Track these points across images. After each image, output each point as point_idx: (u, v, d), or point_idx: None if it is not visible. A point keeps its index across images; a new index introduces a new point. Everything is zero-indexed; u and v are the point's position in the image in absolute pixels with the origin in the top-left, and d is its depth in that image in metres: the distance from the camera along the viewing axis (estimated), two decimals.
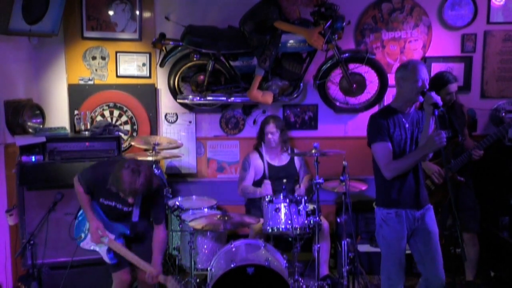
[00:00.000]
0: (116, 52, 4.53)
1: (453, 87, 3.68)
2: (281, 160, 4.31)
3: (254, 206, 4.12)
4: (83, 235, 3.22)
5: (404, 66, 2.87)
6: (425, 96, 2.74)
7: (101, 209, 3.16)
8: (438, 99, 2.70)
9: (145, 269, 3.05)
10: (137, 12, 4.49)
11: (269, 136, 4.19)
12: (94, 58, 4.53)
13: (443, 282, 2.90)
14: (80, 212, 3.26)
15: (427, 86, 2.79)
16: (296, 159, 4.36)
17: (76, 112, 4.34)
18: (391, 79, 4.41)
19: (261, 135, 4.28)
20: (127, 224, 3.12)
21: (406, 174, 2.85)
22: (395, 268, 2.92)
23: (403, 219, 2.88)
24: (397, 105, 2.91)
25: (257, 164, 4.28)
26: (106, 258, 3.18)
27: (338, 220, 3.63)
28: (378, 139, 2.84)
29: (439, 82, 3.66)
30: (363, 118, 4.62)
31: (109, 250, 3.16)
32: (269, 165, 4.25)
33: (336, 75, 4.41)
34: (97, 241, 3.11)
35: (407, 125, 2.87)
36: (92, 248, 3.20)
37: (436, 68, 4.48)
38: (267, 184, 4.10)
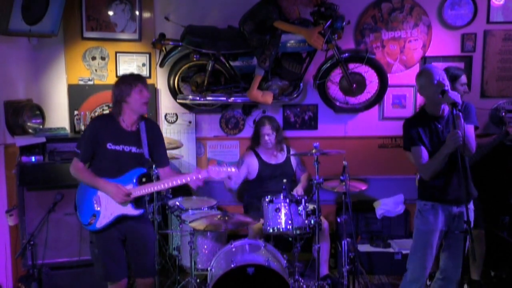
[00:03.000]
0: (116, 53, 4.53)
1: (464, 78, 3.80)
2: (278, 158, 4.29)
3: (252, 207, 4.12)
4: (94, 216, 2.97)
5: (420, 74, 3.00)
6: (444, 95, 2.77)
7: (108, 161, 2.98)
8: (457, 98, 2.73)
9: (186, 180, 2.98)
10: (137, 13, 4.49)
11: (266, 138, 4.17)
12: (94, 58, 4.52)
13: (459, 277, 2.93)
14: (77, 199, 3.07)
15: (446, 83, 2.83)
16: (292, 157, 4.36)
17: (76, 112, 4.34)
18: (391, 78, 4.43)
19: (257, 137, 4.25)
20: (140, 166, 3.00)
21: (446, 171, 2.88)
22: (420, 262, 2.94)
23: (438, 212, 2.91)
24: (429, 109, 2.97)
25: (251, 163, 4.26)
26: (134, 213, 2.98)
27: (338, 220, 3.63)
28: (411, 146, 2.96)
29: (452, 77, 3.72)
30: (363, 118, 4.64)
31: (136, 204, 2.98)
32: (265, 163, 4.24)
33: (336, 75, 4.41)
34: (123, 200, 2.90)
35: (440, 128, 2.91)
36: (113, 217, 2.95)
37: None
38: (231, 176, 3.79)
